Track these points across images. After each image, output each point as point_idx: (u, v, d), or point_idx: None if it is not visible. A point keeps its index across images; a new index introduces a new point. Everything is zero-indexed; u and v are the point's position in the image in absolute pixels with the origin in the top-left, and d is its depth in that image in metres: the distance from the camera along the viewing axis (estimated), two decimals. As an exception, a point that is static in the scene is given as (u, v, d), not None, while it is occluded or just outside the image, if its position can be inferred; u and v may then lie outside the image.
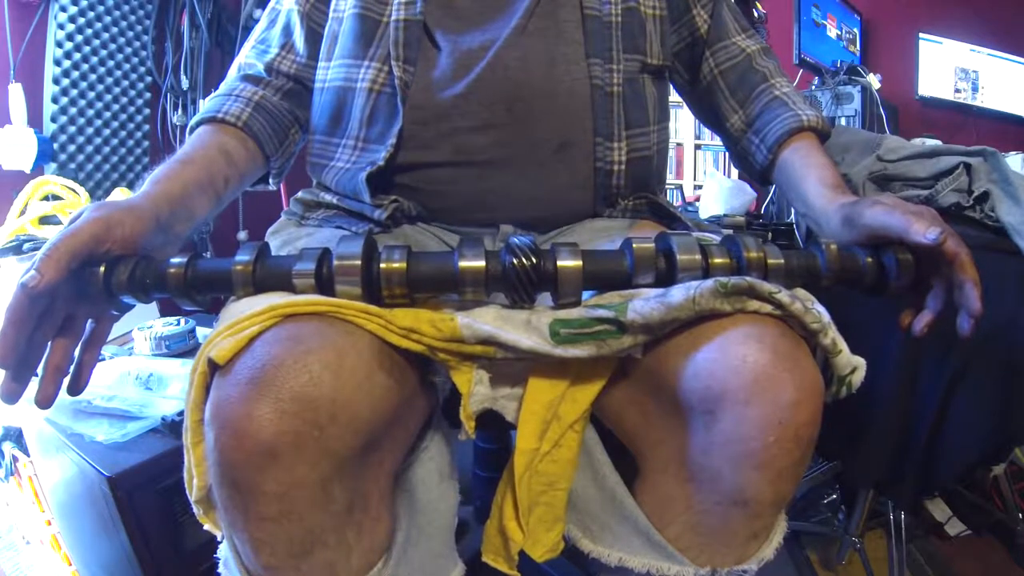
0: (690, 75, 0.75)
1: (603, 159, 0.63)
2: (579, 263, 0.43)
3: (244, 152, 0.63)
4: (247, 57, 0.70)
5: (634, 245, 0.45)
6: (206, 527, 0.44)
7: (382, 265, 0.43)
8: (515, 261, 0.42)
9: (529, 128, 0.61)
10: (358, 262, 0.42)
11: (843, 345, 0.45)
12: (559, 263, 0.43)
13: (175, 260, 0.44)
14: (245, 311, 0.41)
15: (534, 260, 0.43)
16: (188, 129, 0.65)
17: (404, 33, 0.61)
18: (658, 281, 0.45)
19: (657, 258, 0.45)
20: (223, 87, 0.68)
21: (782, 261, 0.46)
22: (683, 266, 0.44)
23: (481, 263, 0.43)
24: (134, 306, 0.48)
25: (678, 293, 0.42)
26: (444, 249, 0.66)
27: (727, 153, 0.77)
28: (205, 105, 0.66)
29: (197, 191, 0.55)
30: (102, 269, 0.43)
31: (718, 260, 0.45)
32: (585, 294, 0.50)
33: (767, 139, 0.67)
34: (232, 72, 0.70)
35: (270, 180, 0.72)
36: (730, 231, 0.53)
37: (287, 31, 0.69)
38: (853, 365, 0.45)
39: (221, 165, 0.59)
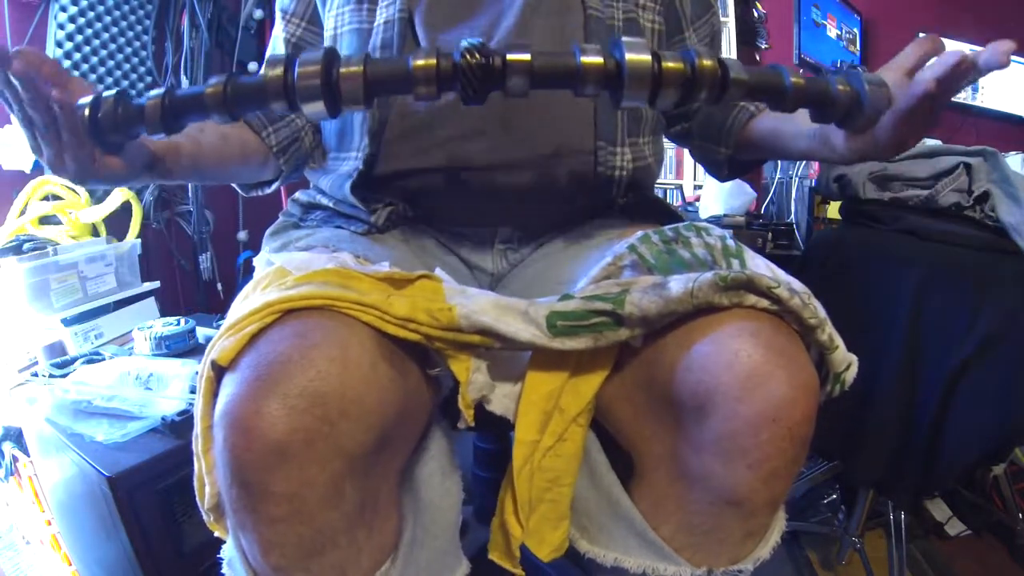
0: None
1: (605, 164, 0.62)
2: (527, 57, 0.43)
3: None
4: None
5: (581, 45, 0.44)
6: (216, 534, 0.44)
7: (341, 69, 0.43)
8: (465, 57, 0.43)
9: (524, 135, 0.60)
10: (319, 67, 0.43)
11: (839, 341, 0.45)
12: (508, 57, 0.43)
13: (152, 93, 0.45)
14: (243, 312, 0.41)
15: (483, 57, 0.43)
16: None
17: (382, 36, 0.61)
18: (608, 80, 0.44)
19: (606, 58, 0.44)
20: None
21: (745, 75, 0.44)
22: (632, 65, 0.43)
23: (433, 60, 0.43)
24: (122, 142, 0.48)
25: (676, 285, 0.42)
26: (444, 249, 0.66)
27: (689, 150, 0.80)
28: None
29: None
30: (87, 112, 0.44)
31: (671, 64, 0.44)
32: (582, 282, 0.50)
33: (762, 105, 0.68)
34: None
35: (280, 164, 0.70)
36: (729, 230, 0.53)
37: None
38: (848, 362, 0.45)
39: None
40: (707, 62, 0.44)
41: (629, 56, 0.43)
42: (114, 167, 0.47)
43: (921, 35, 0.49)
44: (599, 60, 0.43)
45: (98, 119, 0.44)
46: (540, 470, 0.46)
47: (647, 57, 0.43)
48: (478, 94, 0.44)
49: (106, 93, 0.45)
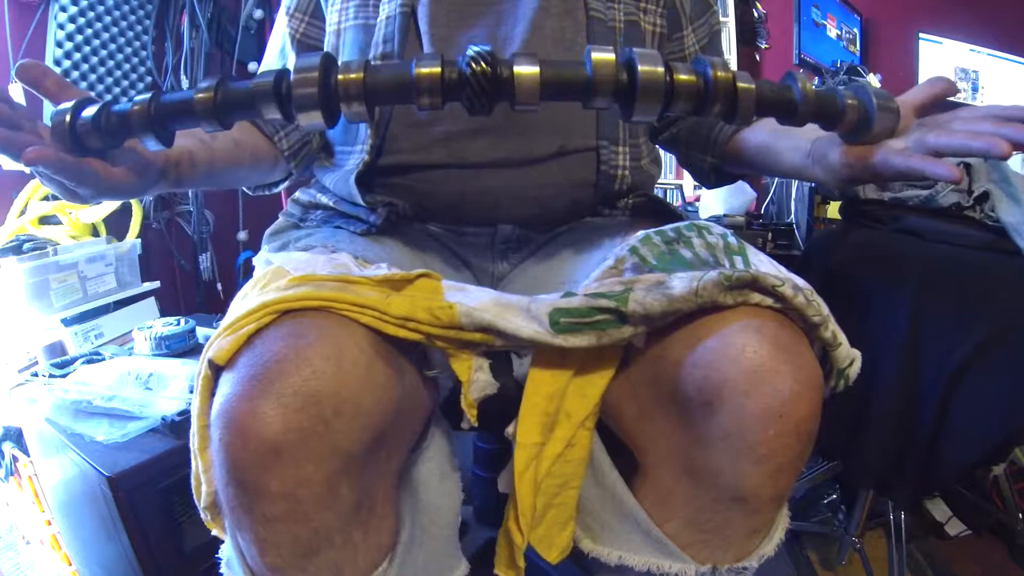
0: None
1: (608, 163, 0.62)
2: (536, 70, 0.41)
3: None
4: None
5: (593, 55, 0.42)
6: (214, 532, 0.44)
7: (339, 76, 0.41)
8: (472, 67, 0.41)
9: (526, 133, 0.60)
10: (315, 74, 0.41)
11: (843, 338, 0.45)
12: (516, 69, 0.41)
13: (139, 98, 0.43)
14: (240, 312, 0.41)
15: (491, 67, 0.41)
16: None
17: (384, 30, 0.61)
18: (618, 94, 0.43)
19: (619, 70, 0.42)
20: None
21: (752, 87, 0.43)
22: (645, 79, 0.42)
23: (437, 69, 0.41)
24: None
25: (680, 284, 0.42)
26: (444, 249, 0.66)
27: (678, 157, 0.78)
28: None
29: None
30: (68, 118, 0.42)
31: (683, 77, 0.43)
32: (586, 280, 0.50)
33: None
34: None
35: (291, 167, 0.70)
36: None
37: (283, 56, 0.70)
38: (851, 358, 0.46)
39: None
40: (721, 74, 0.42)
41: (643, 68, 0.42)
42: (120, 177, 0.46)
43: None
44: (611, 72, 0.42)
45: (78, 126, 0.42)
46: (550, 476, 0.46)
47: (660, 69, 0.42)
48: (485, 106, 0.42)
49: (90, 105, 0.42)
